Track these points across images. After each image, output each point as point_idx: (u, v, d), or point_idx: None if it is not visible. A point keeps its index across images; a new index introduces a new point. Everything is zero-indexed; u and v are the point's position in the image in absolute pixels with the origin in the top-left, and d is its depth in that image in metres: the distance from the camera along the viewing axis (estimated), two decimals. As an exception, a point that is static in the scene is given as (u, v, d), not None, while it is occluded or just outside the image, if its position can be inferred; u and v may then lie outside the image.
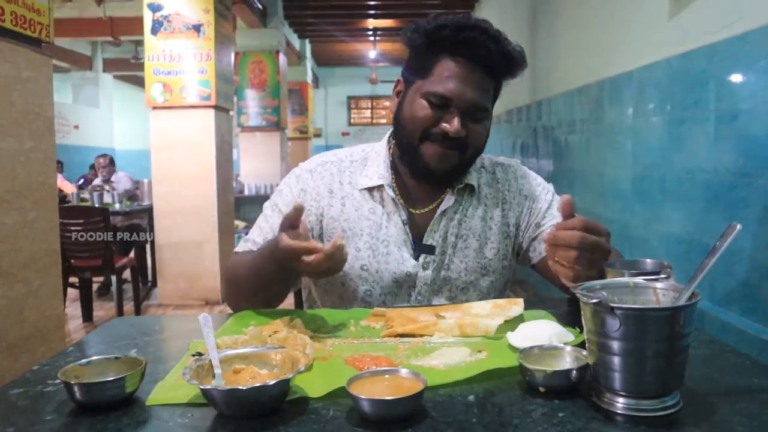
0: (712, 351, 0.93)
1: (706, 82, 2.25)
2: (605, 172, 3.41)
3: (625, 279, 0.84)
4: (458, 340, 0.99)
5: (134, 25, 7.31)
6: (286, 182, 1.39)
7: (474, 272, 1.33)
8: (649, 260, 0.96)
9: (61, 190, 6.22)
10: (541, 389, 0.77)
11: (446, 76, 1.21)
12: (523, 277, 4.94)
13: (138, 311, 4.80)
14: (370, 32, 11.41)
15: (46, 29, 2.26)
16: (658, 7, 2.67)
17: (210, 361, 0.80)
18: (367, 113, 17.01)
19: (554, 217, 1.35)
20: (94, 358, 0.83)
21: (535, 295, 4.64)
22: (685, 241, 2.38)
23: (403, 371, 0.77)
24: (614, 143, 3.24)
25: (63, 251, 2.47)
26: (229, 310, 1.25)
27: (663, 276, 0.85)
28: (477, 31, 1.20)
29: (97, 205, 5.21)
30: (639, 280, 0.82)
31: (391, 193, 1.31)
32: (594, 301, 0.71)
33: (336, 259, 1.01)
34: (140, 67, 7.97)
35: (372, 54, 13.14)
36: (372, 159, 1.37)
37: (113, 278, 4.54)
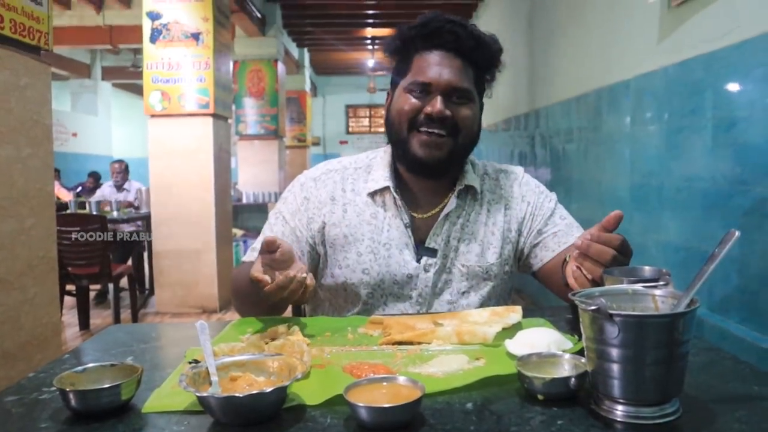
0: (711, 358, 0.93)
1: (703, 91, 2.26)
2: (603, 180, 3.41)
3: (624, 286, 0.84)
4: (456, 347, 0.98)
5: (133, 33, 7.32)
6: (290, 190, 1.41)
7: (475, 276, 1.33)
8: (647, 267, 0.96)
9: (58, 198, 6.22)
10: (540, 397, 0.76)
11: (423, 66, 1.26)
12: (521, 285, 4.94)
13: (135, 319, 4.78)
14: (369, 41, 11.45)
15: (45, 37, 2.26)
16: (654, 16, 2.68)
17: (207, 368, 0.79)
18: (366, 122, 17.04)
19: (556, 225, 1.36)
20: (90, 365, 0.83)
21: (533, 302, 4.64)
22: (683, 248, 2.39)
23: (401, 379, 0.77)
24: (612, 151, 3.25)
25: (60, 259, 2.46)
26: (227, 318, 1.25)
27: (662, 283, 0.84)
28: (443, 21, 1.26)
29: (94, 213, 5.20)
30: (638, 287, 0.82)
31: (394, 195, 1.32)
32: (593, 308, 0.70)
33: (291, 289, 1.02)
34: (139, 75, 7.97)
35: (370, 63, 13.17)
36: (376, 165, 1.39)
37: (110, 286, 4.52)
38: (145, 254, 5.80)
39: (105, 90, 13.09)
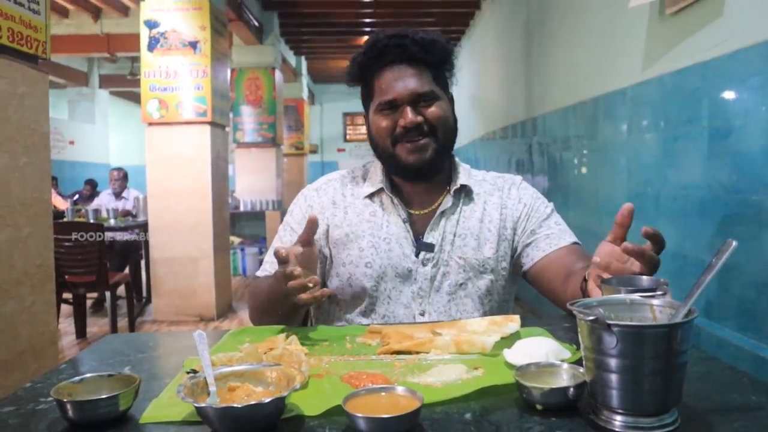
0: (708, 368, 0.93)
1: (699, 100, 2.27)
2: (600, 188, 3.42)
3: (622, 296, 0.84)
4: (454, 357, 0.98)
5: (131, 41, 7.33)
6: (296, 203, 1.50)
7: (473, 268, 1.37)
8: (645, 277, 0.96)
9: (54, 206, 6.20)
10: (539, 407, 0.76)
11: (384, 87, 1.34)
12: (519, 294, 4.93)
13: (132, 327, 4.76)
14: (366, 49, 11.46)
15: (42, 45, 2.26)
16: (650, 25, 2.69)
17: (205, 378, 0.79)
18: (363, 129, 16.71)
19: (550, 228, 1.40)
20: (87, 375, 0.82)
21: (530, 310, 4.64)
22: (679, 257, 2.39)
23: (400, 389, 0.77)
24: (609, 160, 3.26)
25: (57, 267, 2.45)
26: (224, 326, 1.25)
27: (659, 293, 0.84)
28: (386, 38, 1.34)
29: (92, 221, 5.19)
30: (635, 296, 0.82)
31: (390, 195, 1.40)
32: (591, 318, 0.70)
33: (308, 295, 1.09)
34: (136, 83, 7.98)
35: (368, 71, 13.18)
36: (372, 171, 1.47)
37: (107, 294, 4.51)
38: (143, 262, 5.79)
39: (102, 98, 13.08)
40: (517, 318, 1.10)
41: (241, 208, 8.10)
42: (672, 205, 2.47)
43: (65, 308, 4.66)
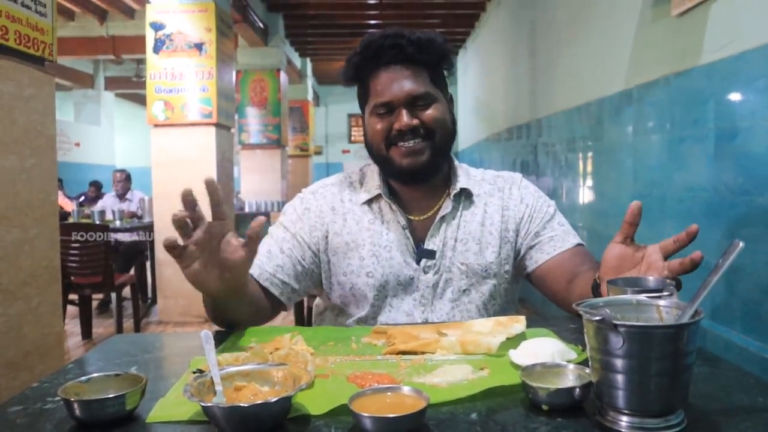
0: (715, 369, 0.93)
1: (705, 101, 2.26)
2: (605, 189, 3.41)
3: (628, 296, 0.84)
4: (460, 357, 0.98)
5: (136, 43, 7.37)
6: (291, 204, 1.45)
7: (475, 274, 1.35)
8: (651, 277, 0.96)
9: (60, 208, 6.22)
10: (545, 407, 0.76)
11: (379, 88, 1.30)
12: (524, 295, 4.93)
13: (138, 328, 4.77)
14: (371, 51, 11.47)
15: (49, 48, 2.28)
16: (656, 26, 2.69)
17: (211, 378, 0.79)
18: (367, 131, 17.03)
19: (554, 230, 1.38)
20: (94, 375, 0.83)
21: (535, 312, 4.63)
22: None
23: (406, 389, 0.77)
24: (614, 161, 3.25)
25: (63, 268, 2.47)
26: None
27: (666, 293, 0.84)
28: (381, 38, 1.30)
29: (97, 222, 5.21)
30: (642, 297, 0.82)
31: (388, 201, 1.36)
32: (597, 318, 0.70)
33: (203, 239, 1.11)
34: (142, 85, 8.01)
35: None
36: (369, 176, 1.43)
37: (113, 295, 4.52)
38: (148, 263, 5.80)
39: (108, 100, 13.15)
40: (522, 319, 1.10)
41: (246, 209, 8.11)
42: (678, 207, 2.47)
43: (71, 309, 4.67)
